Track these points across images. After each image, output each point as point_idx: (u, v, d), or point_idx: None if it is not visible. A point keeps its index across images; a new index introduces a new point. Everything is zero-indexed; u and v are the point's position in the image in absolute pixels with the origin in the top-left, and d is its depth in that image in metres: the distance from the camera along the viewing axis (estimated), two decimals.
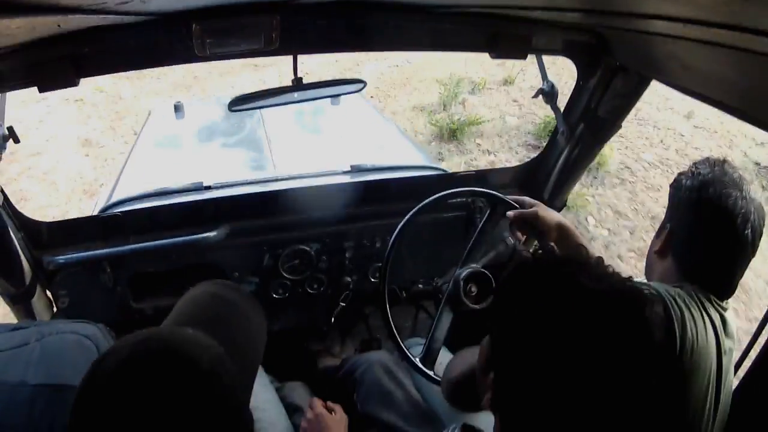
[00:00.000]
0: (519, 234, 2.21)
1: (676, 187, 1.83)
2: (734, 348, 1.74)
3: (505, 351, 1.12)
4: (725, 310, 1.73)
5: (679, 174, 1.83)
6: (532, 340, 1.04)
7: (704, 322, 1.65)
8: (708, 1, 0.84)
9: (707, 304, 1.69)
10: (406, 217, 2.23)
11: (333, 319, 3.01)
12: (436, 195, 2.28)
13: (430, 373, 2.15)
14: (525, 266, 1.15)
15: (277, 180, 3.07)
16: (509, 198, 2.25)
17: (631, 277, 1.11)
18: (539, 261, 1.14)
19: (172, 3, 1.37)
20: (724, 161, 1.77)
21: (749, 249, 1.68)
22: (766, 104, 1.35)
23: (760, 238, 1.68)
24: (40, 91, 1.68)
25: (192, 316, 1.32)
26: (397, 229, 2.24)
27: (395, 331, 2.17)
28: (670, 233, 1.83)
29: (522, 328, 1.07)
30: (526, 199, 2.23)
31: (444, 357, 2.36)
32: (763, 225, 1.69)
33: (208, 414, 1.04)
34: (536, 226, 2.13)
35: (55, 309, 2.46)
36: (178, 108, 4.42)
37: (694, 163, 1.81)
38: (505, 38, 2.02)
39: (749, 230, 1.65)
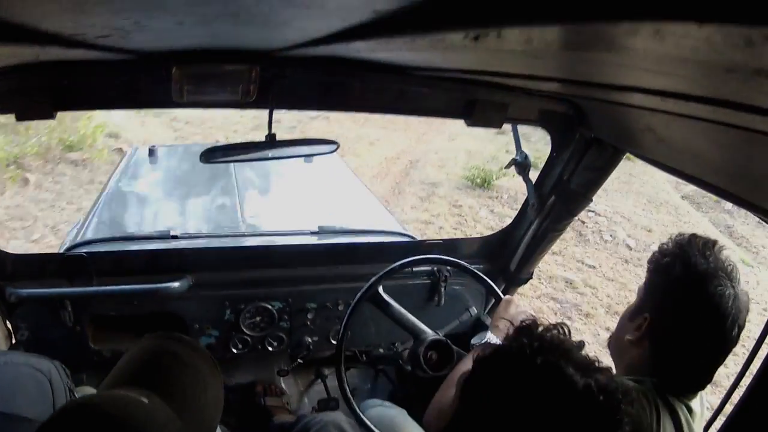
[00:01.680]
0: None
1: (658, 270, 1.67)
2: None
3: (472, 428, 1.09)
4: (693, 398, 1.64)
5: (661, 253, 1.68)
6: (506, 428, 1.02)
7: (659, 420, 1.56)
8: (688, 74, 0.82)
9: (672, 399, 1.60)
10: (370, 282, 2.24)
11: (288, 372, 3.00)
12: (401, 261, 2.32)
13: None
14: (508, 350, 1.13)
15: (244, 235, 3.11)
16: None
17: (609, 367, 1.09)
18: (524, 345, 1.10)
19: (153, 42, 1.35)
20: (717, 245, 1.63)
21: (732, 347, 1.58)
22: (742, 179, 1.34)
23: (741, 332, 1.59)
24: (18, 119, 1.68)
25: (147, 375, 1.26)
26: (359, 294, 2.25)
27: (349, 394, 2.20)
28: (651, 324, 1.66)
29: (498, 413, 1.05)
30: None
31: (385, 411, 2.40)
32: (746, 318, 1.59)
33: None
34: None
35: (13, 340, 2.44)
36: (152, 152, 4.51)
37: (680, 242, 1.65)
38: (482, 105, 2.03)
39: (736, 330, 1.55)
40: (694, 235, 1.66)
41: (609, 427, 0.99)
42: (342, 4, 0.80)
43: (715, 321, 1.53)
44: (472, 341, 2.05)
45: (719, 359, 1.58)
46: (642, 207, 9.69)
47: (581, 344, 1.12)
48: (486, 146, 11.44)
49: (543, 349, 1.07)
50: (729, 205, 11.16)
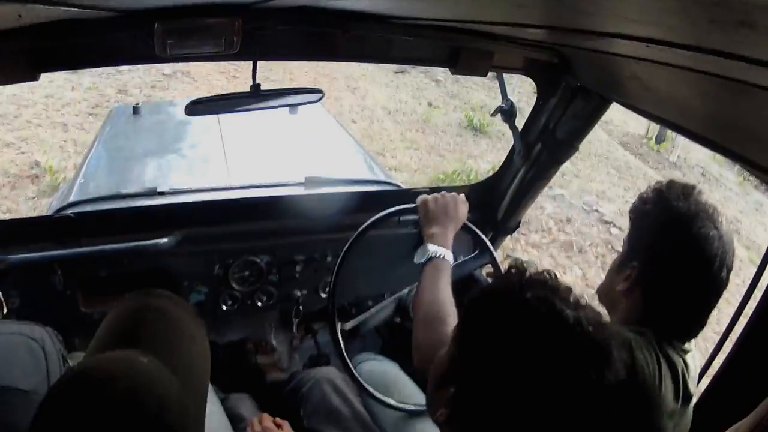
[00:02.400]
0: None
1: (641, 217, 1.65)
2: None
3: (472, 370, 1.09)
4: (688, 352, 1.61)
5: (642, 201, 1.65)
6: (503, 364, 1.02)
7: (660, 372, 1.54)
8: (673, 22, 0.81)
9: (669, 350, 1.57)
10: (357, 232, 2.22)
11: (286, 335, 2.98)
12: (388, 210, 2.27)
13: (377, 394, 2.15)
14: (499, 285, 1.14)
15: (230, 189, 3.06)
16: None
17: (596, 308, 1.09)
18: (513, 283, 1.10)
19: (134, 0, 1.33)
20: (696, 189, 1.59)
21: (723, 289, 1.55)
22: (725, 129, 1.34)
23: (730, 273, 1.57)
24: (0, 83, 1.65)
25: (135, 333, 1.25)
26: (347, 245, 2.23)
27: (344, 350, 2.16)
28: (639, 273, 1.62)
29: (493, 351, 1.04)
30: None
31: (376, 366, 2.42)
32: (733, 259, 1.57)
33: None
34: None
35: (5, 309, 2.39)
36: (136, 110, 4.43)
37: (659, 189, 1.61)
38: (467, 54, 2.01)
39: (725, 272, 1.52)
40: (672, 181, 1.62)
41: (600, 359, 0.99)
42: None
43: (703, 262, 1.51)
44: (415, 260, 2.03)
45: (711, 302, 1.57)
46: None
47: (569, 287, 1.12)
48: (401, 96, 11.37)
49: (531, 284, 1.07)
50: (674, 158, 11.85)
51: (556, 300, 1.02)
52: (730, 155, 1.39)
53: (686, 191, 1.57)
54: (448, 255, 1.98)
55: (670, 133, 11.69)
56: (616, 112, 10.96)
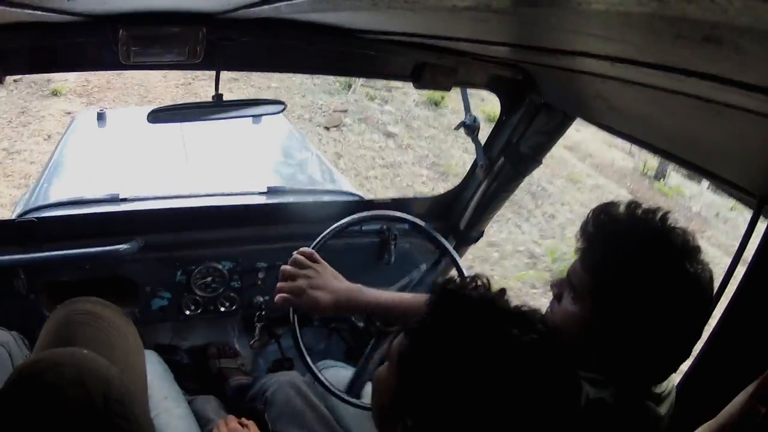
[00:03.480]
0: None
1: (607, 243, 1.33)
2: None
3: (426, 395, 1.03)
4: (662, 400, 1.38)
5: (600, 221, 1.35)
6: (460, 388, 0.98)
7: None
8: (638, 39, 0.80)
9: (644, 404, 1.34)
10: (317, 240, 2.23)
11: (249, 340, 2.98)
12: (349, 218, 2.29)
13: (341, 393, 2.15)
14: (437, 319, 1.08)
15: (193, 196, 3.08)
16: None
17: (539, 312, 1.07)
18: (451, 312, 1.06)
19: (99, 5, 1.32)
20: (667, 212, 1.32)
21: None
22: (691, 145, 1.34)
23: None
24: None
25: (70, 335, 1.30)
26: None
27: (306, 355, 2.14)
28: (603, 316, 1.32)
29: (451, 374, 0.99)
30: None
31: (341, 372, 2.42)
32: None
33: None
34: None
35: None
36: (101, 116, 4.43)
37: (634, 208, 1.33)
38: (431, 69, 2.02)
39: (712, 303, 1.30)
40: (634, 203, 1.35)
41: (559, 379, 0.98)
42: None
43: (699, 301, 1.28)
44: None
45: (694, 344, 1.33)
46: None
47: (503, 291, 1.09)
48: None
49: (472, 309, 1.03)
50: (697, 207, 10.18)
51: (508, 327, 0.99)
52: (695, 170, 1.39)
53: (660, 216, 1.32)
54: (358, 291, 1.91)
55: (673, 169, 10.11)
56: (590, 141, 10.73)
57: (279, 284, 1.85)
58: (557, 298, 1.45)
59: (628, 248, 1.30)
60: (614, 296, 1.30)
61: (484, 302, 1.05)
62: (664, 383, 1.39)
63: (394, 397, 1.10)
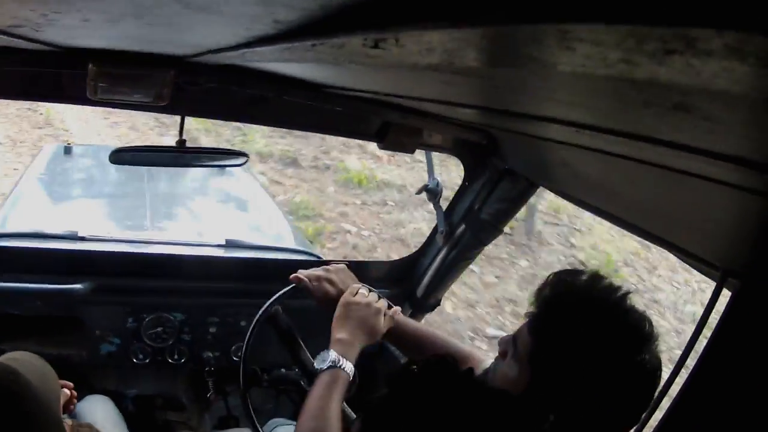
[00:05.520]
0: None
1: (554, 309, 1.31)
2: None
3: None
4: None
5: (557, 287, 1.33)
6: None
7: None
8: (605, 106, 0.80)
9: None
10: (269, 301, 2.20)
11: (197, 394, 3.00)
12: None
13: None
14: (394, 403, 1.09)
15: (151, 243, 3.11)
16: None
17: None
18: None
19: (69, 38, 1.31)
20: (629, 291, 1.29)
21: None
22: (653, 215, 1.34)
23: None
24: None
25: None
26: (259, 312, 2.21)
27: (252, 414, 2.14)
28: (531, 383, 1.30)
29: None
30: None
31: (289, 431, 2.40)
32: None
33: None
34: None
35: None
36: (68, 150, 4.51)
37: (580, 284, 1.31)
38: (395, 130, 2.03)
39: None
40: (597, 273, 1.34)
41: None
42: (241, 12, 0.75)
43: (640, 390, 1.25)
44: (315, 365, 1.96)
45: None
46: None
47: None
48: None
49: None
50: None
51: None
52: (657, 241, 1.38)
53: (627, 295, 1.29)
54: (349, 368, 1.83)
55: None
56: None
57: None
58: (502, 356, 1.43)
59: (578, 322, 1.26)
60: (552, 368, 1.27)
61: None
62: None
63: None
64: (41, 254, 2.60)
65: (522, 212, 4.81)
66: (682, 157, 0.80)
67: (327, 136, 8.87)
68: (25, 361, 1.59)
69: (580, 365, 1.23)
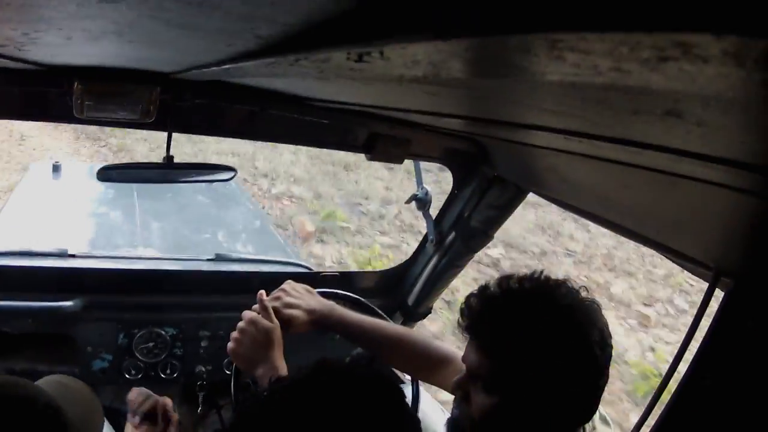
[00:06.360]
0: None
1: (490, 317, 1.29)
2: None
3: None
4: None
5: (484, 299, 1.30)
6: None
7: None
8: (594, 113, 0.79)
9: None
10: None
11: (189, 408, 2.93)
12: None
13: None
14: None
15: (141, 258, 3.13)
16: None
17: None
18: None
19: (53, 56, 1.31)
20: (542, 272, 1.31)
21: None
22: (645, 218, 1.34)
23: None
24: None
25: None
26: None
27: None
28: (504, 405, 1.27)
29: None
30: None
31: None
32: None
33: None
34: None
35: None
36: (56, 168, 4.53)
37: (500, 288, 1.29)
38: (383, 140, 2.02)
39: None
40: (546, 277, 1.32)
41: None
42: (222, 28, 0.74)
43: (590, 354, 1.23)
44: None
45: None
46: None
47: None
48: None
49: None
50: None
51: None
52: (649, 244, 1.38)
53: (543, 275, 1.31)
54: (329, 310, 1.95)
55: None
56: None
57: (245, 312, 1.92)
58: (464, 399, 1.37)
59: (520, 317, 1.26)
60: (518, 367, 1.25)
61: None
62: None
63: None
64: (31, 272, 2.59)
65: None
66: (672, 160, 0.80)
67: None
68: (73, 389, 1.53)
69: (536, 349, 1.22)
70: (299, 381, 1.03)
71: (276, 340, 1.86)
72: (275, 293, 1.96)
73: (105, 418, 2.47)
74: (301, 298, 1.95)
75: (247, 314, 1.85)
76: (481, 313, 1.30)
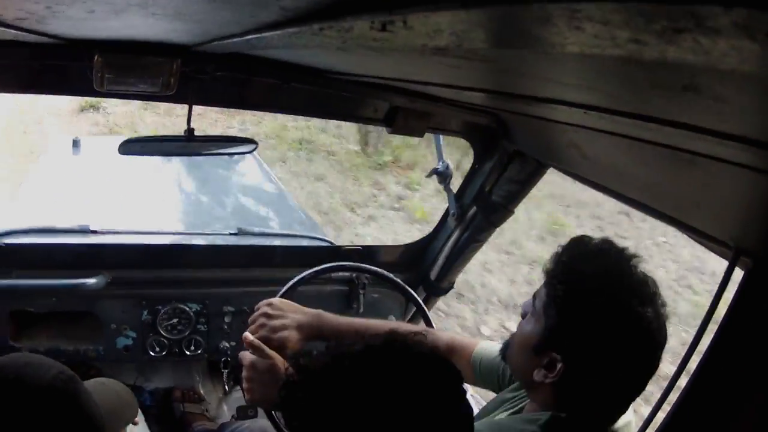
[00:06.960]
0: None
1: (571, 285, 1.32)
2: None
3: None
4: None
5: (572, 251, 1.36)
6: None
7: None
8: (613, 88, 0.79)
9: None
10: (285, 287, 2.18)
11: (214, 385, 3.01)
12: (320, 267, 2.26)
13: None
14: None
15: (163, 233, 3.07)
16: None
17: None
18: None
19: (74, 29, 1.31)
20: (635, 255, 1.33)
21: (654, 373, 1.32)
22: (664, 195, 1.33)
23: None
24: None
25: None
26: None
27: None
28: (566, 370, 1.32)
29: None
30: None
31: None
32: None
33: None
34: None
35: None
36: (76, 144, 4.45)
37: (599, 245, 1.35)
38: (404, 114, 2.01)
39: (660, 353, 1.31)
40: (606, 241, 1.37)
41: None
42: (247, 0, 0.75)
43: (645, 348, 1.29)
44: None
45: (642, 388, 1.36)
46: None
47: None
48: None
49: None
50: None
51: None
52: (668, 221, 1.38)
53: (630, 255, 1.33)
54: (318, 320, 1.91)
55: None
56: None
57: (241, 353, 1.83)
58: (523, 316, 1.48)
59: (588, 276, 1.31)
60: (564, 323, 1.32)
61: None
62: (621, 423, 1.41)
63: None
64: (53, 249, 2.60)
65: None
66: (692, 137, 0.80)
67: None
68: (109, 385, 1.62)
69: (588, 314, 1.28)
70: (372, 349, 1.04)
71: (280, 370, 1.77)
72: (258, 321, 1.88)
73: (143, 416, 2.50)
74: (285, 315, 1.89)
75: (245, 360, 1.79)
76: (560, 258, 1.37)
